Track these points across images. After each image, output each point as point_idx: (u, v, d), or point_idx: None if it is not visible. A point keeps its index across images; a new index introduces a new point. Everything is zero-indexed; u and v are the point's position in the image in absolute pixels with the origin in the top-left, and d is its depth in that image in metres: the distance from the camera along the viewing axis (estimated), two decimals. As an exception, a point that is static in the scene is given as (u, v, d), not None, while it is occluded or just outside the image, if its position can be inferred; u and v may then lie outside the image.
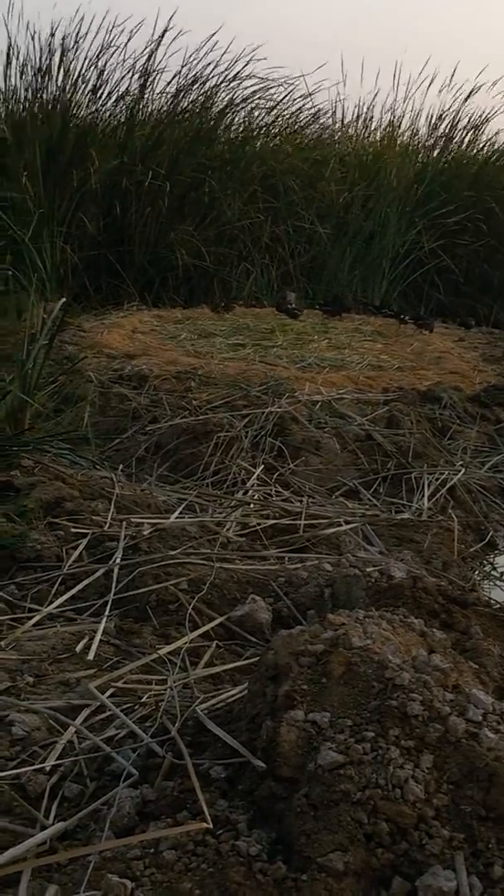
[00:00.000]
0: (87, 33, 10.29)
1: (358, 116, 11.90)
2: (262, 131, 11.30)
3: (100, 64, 10.08)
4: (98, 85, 10.18)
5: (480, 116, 12.16)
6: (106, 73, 10.15)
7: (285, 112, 11.43)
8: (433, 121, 12.06)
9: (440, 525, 4.21)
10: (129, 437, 5.20)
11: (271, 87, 10.91)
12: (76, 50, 9.91)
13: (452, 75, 13.15)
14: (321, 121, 11.74)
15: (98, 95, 10.21)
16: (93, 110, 10.24)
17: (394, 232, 10.98)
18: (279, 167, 10.67)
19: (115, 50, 10.13)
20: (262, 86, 10.83)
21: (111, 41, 10.09)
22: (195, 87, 10.47)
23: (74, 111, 10.06)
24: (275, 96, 11.09)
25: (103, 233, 9.82)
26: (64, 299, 5.84)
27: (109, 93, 10.26)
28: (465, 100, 12.02)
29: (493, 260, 11.56)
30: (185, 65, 10.40)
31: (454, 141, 12.21)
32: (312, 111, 11.59)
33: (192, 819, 1.74)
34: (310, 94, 11.46)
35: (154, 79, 10.38)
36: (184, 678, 2.39)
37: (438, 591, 2.77)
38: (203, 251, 9.91)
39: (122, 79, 10.27)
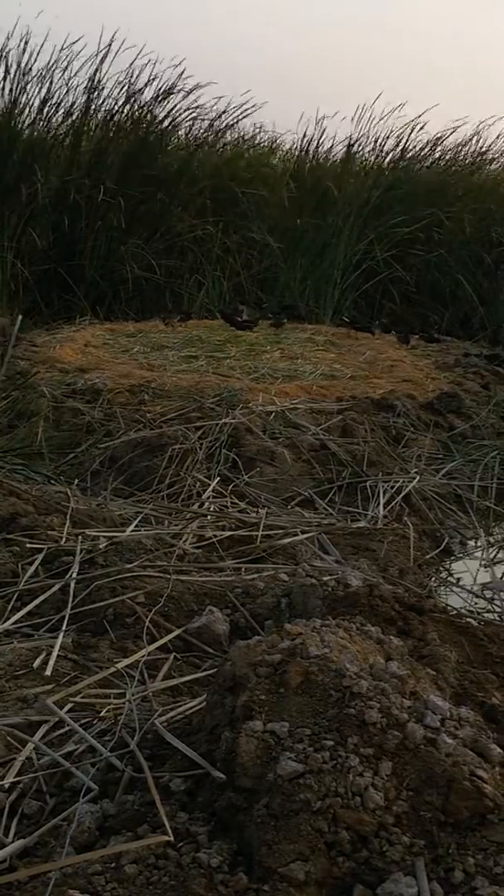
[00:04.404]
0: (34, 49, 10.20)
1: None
2: (209, 146, 11.31)
3: (46, 79, 10.06)
4: (45, 100, 10.14)
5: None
6: (52, 87, 10.13)
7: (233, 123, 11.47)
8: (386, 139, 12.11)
9: (396, 533, 4.23)
10: (84, 451, 5.19)
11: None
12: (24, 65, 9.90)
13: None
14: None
15: (45, 112, 10.18)
16: (40, 125, 10.20)
17: (346, 242, 11.00)
18: (229, 177, 10.69)
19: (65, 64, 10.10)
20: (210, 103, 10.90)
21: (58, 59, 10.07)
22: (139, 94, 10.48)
23: (21, 126, 10.02)
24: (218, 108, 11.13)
25: (54, 247, 9.79)
26: (21, 317, 5.81)
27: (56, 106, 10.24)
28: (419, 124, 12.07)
29: (443, 269, 11.62)
30: (126, 79, 10.41)
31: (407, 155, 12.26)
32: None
33: (153, 832, 1.73)
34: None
35: (99, 94, 10.37)
36: (142, 691, 2.38)
37: (395, 598, 2.78)
38: (154, 264, 9.90)
39: (68, 93, 10.26)
